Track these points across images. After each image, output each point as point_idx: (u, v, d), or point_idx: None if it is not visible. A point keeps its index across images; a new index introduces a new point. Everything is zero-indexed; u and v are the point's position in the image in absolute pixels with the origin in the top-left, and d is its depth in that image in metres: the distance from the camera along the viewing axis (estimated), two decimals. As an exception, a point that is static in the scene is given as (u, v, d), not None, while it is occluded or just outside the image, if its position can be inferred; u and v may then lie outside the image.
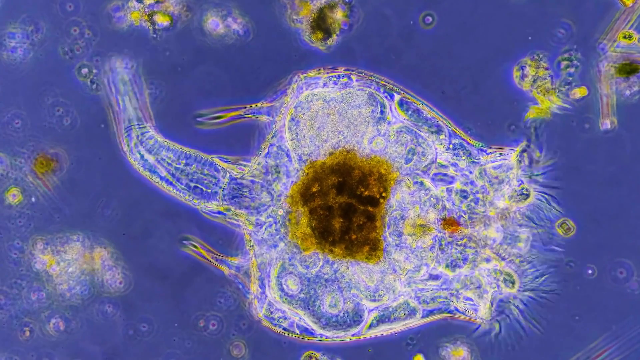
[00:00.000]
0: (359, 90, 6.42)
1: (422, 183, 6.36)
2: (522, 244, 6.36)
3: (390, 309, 6.40)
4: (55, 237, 6.72)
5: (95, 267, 6.72)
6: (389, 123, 6.39)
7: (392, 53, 6.54)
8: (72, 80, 6.61)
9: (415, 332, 6.52)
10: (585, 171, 6.44)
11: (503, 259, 6.35)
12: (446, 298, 6.38)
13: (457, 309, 6.39)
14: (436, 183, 6.37)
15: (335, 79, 6.44)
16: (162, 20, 6.57)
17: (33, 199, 6.71)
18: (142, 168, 6.56)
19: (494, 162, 6.38)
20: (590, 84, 6.41)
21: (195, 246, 6.63)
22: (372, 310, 6.38)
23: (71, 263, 6.71)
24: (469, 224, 6.34)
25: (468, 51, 6.51)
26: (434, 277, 6.37)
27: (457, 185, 6.37)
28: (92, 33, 6.60)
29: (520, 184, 6.34)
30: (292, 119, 6.42)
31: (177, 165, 6.52)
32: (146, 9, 6.56)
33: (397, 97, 6.44)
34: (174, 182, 6.52)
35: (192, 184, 6.50)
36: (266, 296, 6.47)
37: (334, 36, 6.53)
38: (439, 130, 6.41)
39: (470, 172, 6.39)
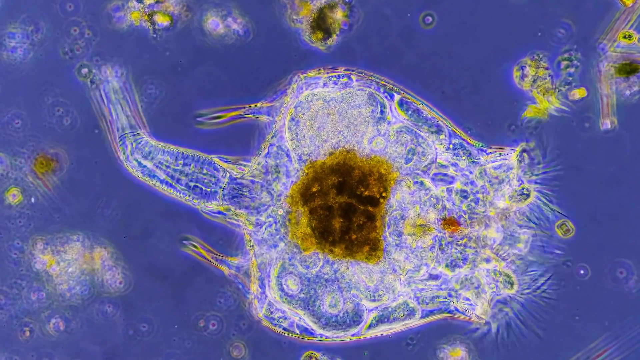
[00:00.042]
0: (359, 90, 6.42)
1: (422, 183, 6.36)
2: (522, 244, 6.36)
3: (390, 309, 6.40)
4: (55, 237, 6.72)
5: (95, 267, 6.72)
6: (389, 123, 6.39)
7: (390, 52, 6.54)
8: (72, 80, 6.61)
9: (415, 332, 6.52)
10: (585, 171, 6.44)
11: (503, 259, 6.35)
12: (445, 298, 6.38)
13: (457, 309, 6.39)
14: (436, 183, 6.37)
15: (335, 79, 6.44)
16: (162, 20, 6.57)
17: (32, 200, 6.71)
18: (141, 174, 6.56)
19: (494, 162, 6.38)
20: (590, 84, 6.41)
21: (195, 246, 6.63)
22: (371, 310, 6.38)
23: (71, 263, 6.71)
24: (469, 224, 6.34)
25: (468, 51, 6.51)
26: (434, 277, 6.37)
27: (457, 185, 6.37)
28: (92, 33, 6.60)
29: (521, 184, 6.34)
30: (292, 119, 6.42)
31: (175, 167, 6.52)
32: (146, 9, 6.56)
33: (397, 97, 6.44)
34: (173, 184, 6.52)
35: (192, 184, 6.50)
36: (266, 296, 6.47)
37: (334, 36, 6.53)
38: (439, 130, 6.41)
39: (471, 172, 6.39)
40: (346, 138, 6.38)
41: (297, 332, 6.48)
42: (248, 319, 6.61)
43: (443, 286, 6.38)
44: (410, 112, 6.42)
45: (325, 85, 6.43)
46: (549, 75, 6.41)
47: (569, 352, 6.46)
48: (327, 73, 6.46)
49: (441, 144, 6.40)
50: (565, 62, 6.41)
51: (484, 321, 6.37)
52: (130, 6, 6.57)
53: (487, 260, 6.35)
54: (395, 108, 6.42)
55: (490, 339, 6.42)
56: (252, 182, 6.46)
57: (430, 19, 6.50)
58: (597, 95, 6.41)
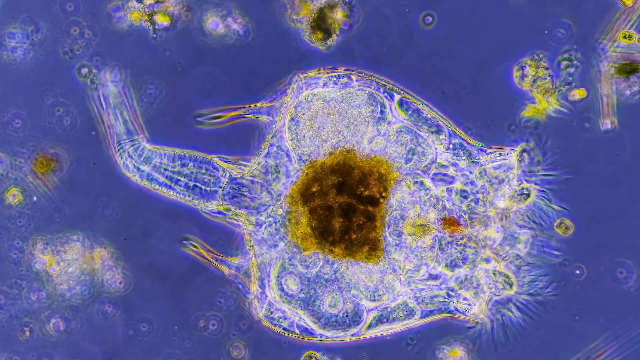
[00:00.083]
0: (359, 90, 6.42)
1: (422, 183, 6.36)
2: (521, 245, 6.36)
3: (389, 309, 6.40)
4: (55, 237, 6.72)
5: (95, 267, 6.72)
6: (389, 123, 6.39)
7: (390, 52, 6.54)
8: (72, 80, 6.61)
9: (415, 332, 6.52)
10: (585, 171, 6.44)
11: (503, 259, 6.35)
12: (445, 298, 6.38)
13: (456, 309, 6.39)
14: (436, 183, 6.37)
15: (335, 79, 6.44)
16: (162, 20, 6.57)
17: (34, 198, 6.71)
18: (140, 179, 6.56)
19: (494, 162, 6.38)
20: (590, 84, 6.41)
21: (195, 246, 6.63)
22: (370, 310, 6.38)
23: (71, 263, 6.71)
24: (469, 224, 6.33)
25: (468, 51, 6.51)
26: (434, 277, 6.37)
27: (457, 185, 6.37)
28: (92, 33, 6.60)
29: (521, 184, 6.34)
30: (292, 119, 6.42)
31: (173, 168, 6.52)
32: (146, 9, 6.56)
33: (397, 97, 6.44)
34: (173, 186, 6.52)
35: (191, 184, 6.50)
36: (266, 296, 6.47)
37: (334, 36, 6.53)
38: (439, 130, 6.41)
39: (471, 172, 6.38)
40: (346, 138, 6.38)
41: (297, 332, 6.48)
42: (248, 319, 6.61)
43: (442, 286, 6.38)
44: (410, 112, 6.42)
45: (325, 85, 6.43)
46: (549, 75, 6.41)
47: (569, 352, 6.46)
48: (327, 73, 6.46)
49: (441, 144, 6.40)
50: (565, 62, 6.40)
51: (479, 320, 6.37)
52: (130, 6, 6.57)
53: (487, 261, 6.34)
54: (395, 108, 6.42)
55: (487, 338, 6.42)
56: (252, 182, 6.46)
57: (430, 19, 6.50)
58: (597, 96, 6.41)
